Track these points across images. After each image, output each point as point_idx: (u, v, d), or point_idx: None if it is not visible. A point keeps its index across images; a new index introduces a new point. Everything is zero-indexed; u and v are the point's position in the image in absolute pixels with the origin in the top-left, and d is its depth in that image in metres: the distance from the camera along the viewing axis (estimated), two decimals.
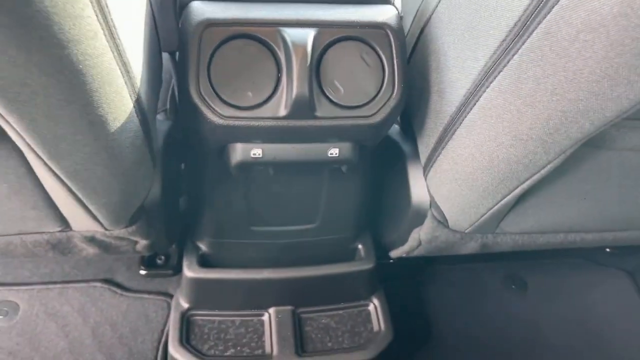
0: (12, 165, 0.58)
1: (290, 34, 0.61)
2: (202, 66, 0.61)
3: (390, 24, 0.64)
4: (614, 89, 0.45)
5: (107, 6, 0.45)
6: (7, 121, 0.46)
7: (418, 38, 0.71)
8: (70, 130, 0.49)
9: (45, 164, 0.54)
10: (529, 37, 0.47)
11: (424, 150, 0.73)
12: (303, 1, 0.66)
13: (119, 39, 0.49)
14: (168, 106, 0.97)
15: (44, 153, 0.51)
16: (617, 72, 0.44)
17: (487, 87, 0.55)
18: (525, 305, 1.16)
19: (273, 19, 0.62)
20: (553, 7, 0.44)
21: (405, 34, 0.75)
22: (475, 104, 0.58)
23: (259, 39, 0.62)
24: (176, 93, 0.83)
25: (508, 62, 0.51)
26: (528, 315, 1.14)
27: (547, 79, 0.48)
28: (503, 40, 0.51)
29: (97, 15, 0.44)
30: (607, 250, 1.28)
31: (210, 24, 0.61)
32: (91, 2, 0.43)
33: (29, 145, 0.50)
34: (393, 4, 0.68)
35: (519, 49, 0.49)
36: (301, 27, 0.62)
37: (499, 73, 0.52)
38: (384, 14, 0.65)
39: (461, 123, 0.61)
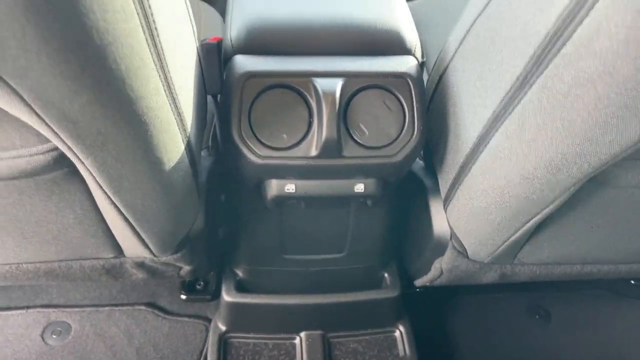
0: (79, 199, 0.66)
1: (320, 83, 0.69)
2: (243, 112, 0.69)
3: (410, 73, 0.71)
4: (605, 135, 0.51)
5: (167, 65, 0.54)
6: (82, 162, 0.55)
7: (437, 84, 0.78)
8: (132, 171, 0.58)
9: (109, 198, 0.62)
10: (529, 89, 0.54)
11: (444, 185, 0.79)
12: (332, 53, 0.74)
13: (176, 92, 0.58)
14: (210, 143, 1.06)
15: (109, 189, 0.60)
16: (606, 121, 0.50)
17: (496, 132, 0.61)
18: (548, 335, 1.18)
19: (305, 70, 0.70)
20: (548, 65, 0.51)
21: (427, 79, 0.83)
22: (486, 145, 0.64)
23: (293, 88, 0.70)
24: (218, 132, 0.92)
25: (513, 110, 0.57)
26: (551, 346, 1.16)
27: (546, 126, 0.54)
28: (508, 92, 0.57)
29: (159, 75, 0.53)
30: (632, 282, 1.30)
31: (251, 75, 0.69)
32: (155, 65, 0.51)
33: (97, 182, 0.59)
34: (414, 54, 0.76)
35: (521, 100, 0.56)
36: (330, 77, 0.70)
37: (505, 120, 0.59)
38: (405, 64, 0.73)
39: (475, 162, 0.67)
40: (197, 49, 0.73)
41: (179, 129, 0.61)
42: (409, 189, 0.92)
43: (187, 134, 0.64)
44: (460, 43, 0.70)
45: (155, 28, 0.50)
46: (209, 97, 0.87)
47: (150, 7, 0.48)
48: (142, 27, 0.47)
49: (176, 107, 0.58)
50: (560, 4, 0.48)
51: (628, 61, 0.44)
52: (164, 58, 0.53)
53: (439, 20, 1.37)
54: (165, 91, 0.55)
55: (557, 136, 0.54)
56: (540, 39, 0.51)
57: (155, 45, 0.51)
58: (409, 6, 1.49)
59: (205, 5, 1.39)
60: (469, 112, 0.67)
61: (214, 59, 0.77)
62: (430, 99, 0.81)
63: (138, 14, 0.46)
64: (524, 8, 0.54)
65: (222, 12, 1.40)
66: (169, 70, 0.55)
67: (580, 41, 0.47)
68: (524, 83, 0.55)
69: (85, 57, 0.43)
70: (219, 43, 0.78)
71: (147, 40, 0.49)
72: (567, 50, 0.48)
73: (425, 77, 1.07)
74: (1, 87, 0.43)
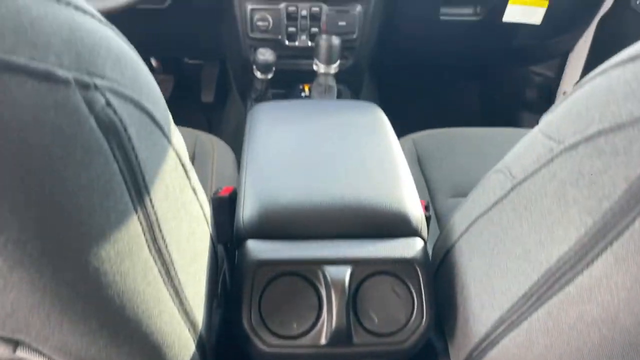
0: None
1: (329, 271, 0.71)
2: (254, 301, 0.71)
3: (417, 258, 0.73)
4: None
5: (181, 286, 0.56)
6: None
7: (443, 259, 0.80)
8: None
9: None
10: (534, 311, 0.55)
11: None
12: (340, 236, 0.76)
13: (189, 303, 0.59)
14: (219, 290, 1.06)
15: None
16: (612, 354, 0.50)
17: (504, 336, 0.62)
18: None
19: (314, 257, 0.72)
20: (552, 297, 0.52)
21: (430, 238, 0.84)
22: (495, 345, 0.64)
23: (303, 275, 0.72)
24: (227, 279, 0.93)
25: (520, 323, 0.58)
26: None
27: (554, 348, 0.55)
28: (514, 304, 0.58)
29: (174, 301, 0.54)
30: None
31: (262, 264, 0.71)
32: (172, 297, 0.53)
33: None
34: (420, 235, 0.77)
35: (527, 317, 0.57)
36: (339, 264, 0.72)
37: (513, 329, 0.60)
38: (411, 248, 0.74)
39: (484, 356, 0.67)
40: (208, 203, 0.74)
41: (191, 337, 0.62)
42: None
43: (199, 333, 0.65)
44: (465, 231, 0.72)
45: (174, 267, 0.52)
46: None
47: (171, 257, 0.50)
48: (162, 277, 0.50)
49: (190, 320, 0.60)
50: (559, 248, 0.50)
51: (630, 315, 0.45)
52: (180, 285, 0.55)
53: (443, 154, 1.41)
54: (179, 311, 0.56)
55: (565, 357, 0.55)
56: (543, 271, 0.52)
57: (172, 282, 0.53)
58: (412, 139, 1.54)
59: (219, 141, 1.44)
60: (477, 305, 0.68)
61: (226, 211, 0.78)
62: (437, 268, 0.82)
63: (157, 264, 0.49)
64: (527, 231, 0.56)
65: (233, 146, 1.46)
66: (183, 290, 0.57)
67: (582, 287, 0.48)
68: (529, 302, 0.56)
69: (105, 317, 0.45)
70: (231, 195, 0.81)
71: (165, 284, 0.51)
72: (570, 290, 0.50)
73: (432, 209, 1.08)
74: (25, 348, 0.44)
